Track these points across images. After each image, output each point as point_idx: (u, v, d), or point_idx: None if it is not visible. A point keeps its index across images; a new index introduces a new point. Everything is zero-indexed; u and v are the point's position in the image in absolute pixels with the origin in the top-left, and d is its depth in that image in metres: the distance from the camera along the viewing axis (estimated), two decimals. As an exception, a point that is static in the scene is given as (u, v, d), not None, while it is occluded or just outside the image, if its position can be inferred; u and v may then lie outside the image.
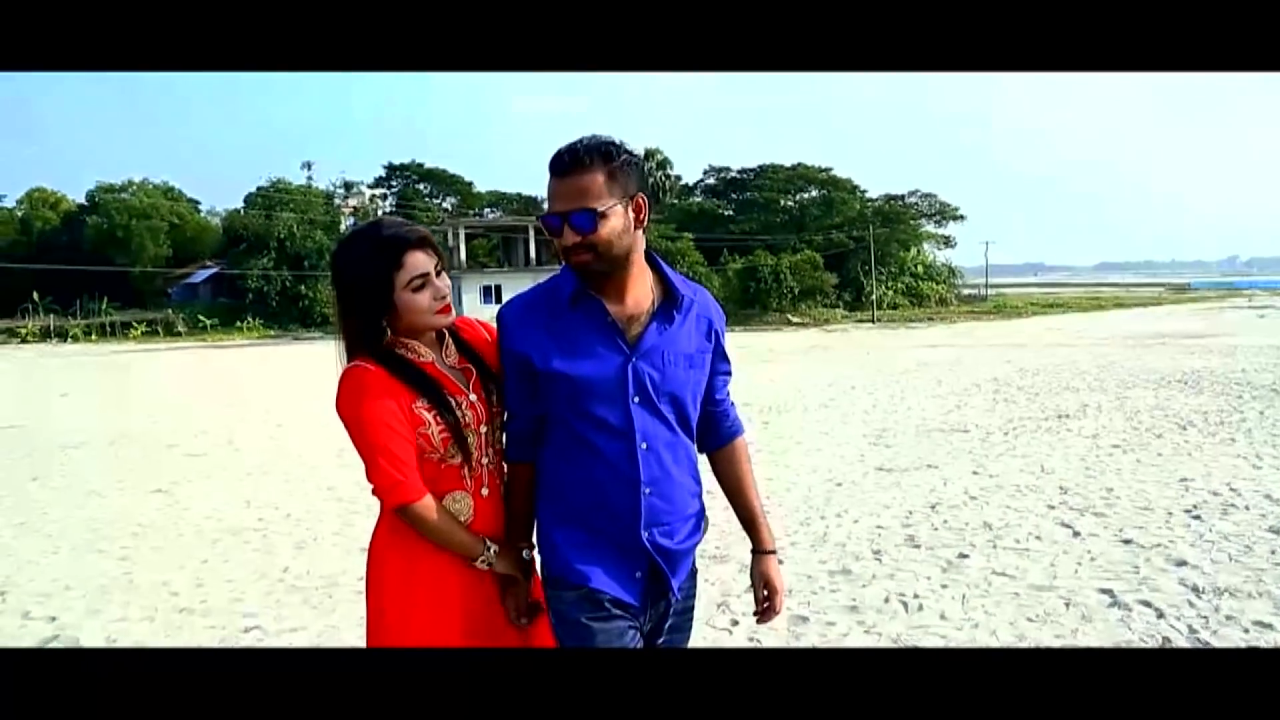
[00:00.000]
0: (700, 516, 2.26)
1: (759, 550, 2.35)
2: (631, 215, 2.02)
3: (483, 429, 2.20)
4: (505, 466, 2.25)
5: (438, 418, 2.11)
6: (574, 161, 1.98)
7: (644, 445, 2.07)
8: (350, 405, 2.06)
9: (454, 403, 2.15)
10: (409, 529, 2.10)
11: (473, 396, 2.19)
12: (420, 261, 2.11)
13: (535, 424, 2.16)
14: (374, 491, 2.07)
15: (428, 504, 2.08)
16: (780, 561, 2.42)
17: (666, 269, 2.18)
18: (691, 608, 2.31)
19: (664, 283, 2.16)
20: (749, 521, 2.35)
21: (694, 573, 2.29)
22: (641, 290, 2.12)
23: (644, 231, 2.10)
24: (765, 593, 2.32)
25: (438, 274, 2.15)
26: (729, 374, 2.33)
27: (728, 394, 2.36)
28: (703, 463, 2.33)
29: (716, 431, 2.35)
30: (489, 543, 2.15)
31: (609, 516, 2.09)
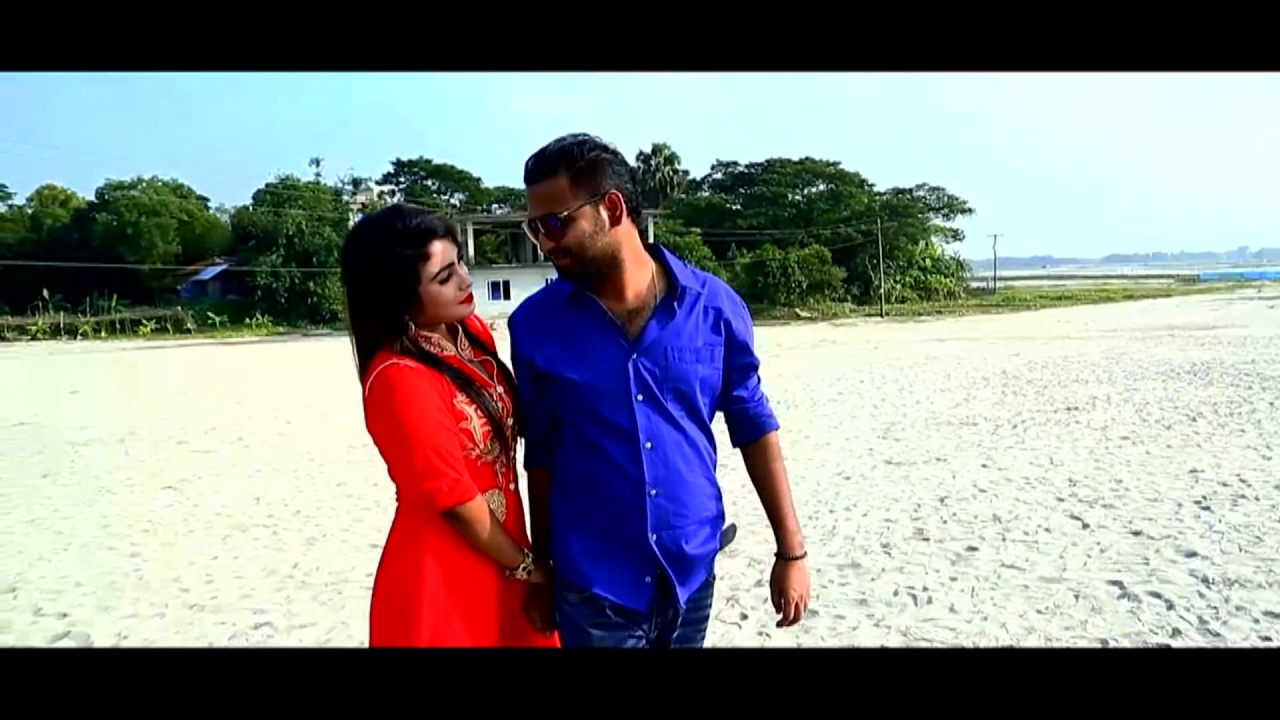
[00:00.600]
0: (719, 521, 2.19)
1: (779, 554, 2.26)
2: (605, 213, 1.98)
3: (509, 421, 2.14)
4: (525, 474, 2.21)
5: (479, 411, 2.05)
6: (537, 169, 1.97)
7: (648, 444, 2.02)
8: (393, 404, 1.95)
9: (487, 395, 2.10)
10: (442, 533, 2.01)
11: (499, 388, 2.14)
12: (446, 251, 2.04)
13: (549, 428, 2.13)
14: (422, 494, 1.97)
15: (480, 504, 2.01)
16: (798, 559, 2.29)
17: (671, 261, 2.13)
18: (704, 618, 2.23)
19: (668, 275, 2.12)
20: (774, 522, 2.25)
21: (710, 582, 2.22)
22: (641, 285, 2.08)
23: (632, 224, 2.05)
24: (781, 600, 2.24)
25: (459, 263, 2.09)
26: (752, 366, 2.23)
27: (753, 388, 2.25)
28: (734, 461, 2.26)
29: (744, 426, 2.26)
30: (527, 552, 2.10)
31: (617, 519, 2.05)
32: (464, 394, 2.03)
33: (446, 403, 2.00)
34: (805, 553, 2.27)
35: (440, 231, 2.05)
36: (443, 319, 2.10)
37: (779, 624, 2.28)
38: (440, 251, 2.03)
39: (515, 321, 2.14)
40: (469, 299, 2.12)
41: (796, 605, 2.23)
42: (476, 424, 2.04)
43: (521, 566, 2.08)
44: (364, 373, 2.05)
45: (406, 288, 2.02)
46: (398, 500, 2.09)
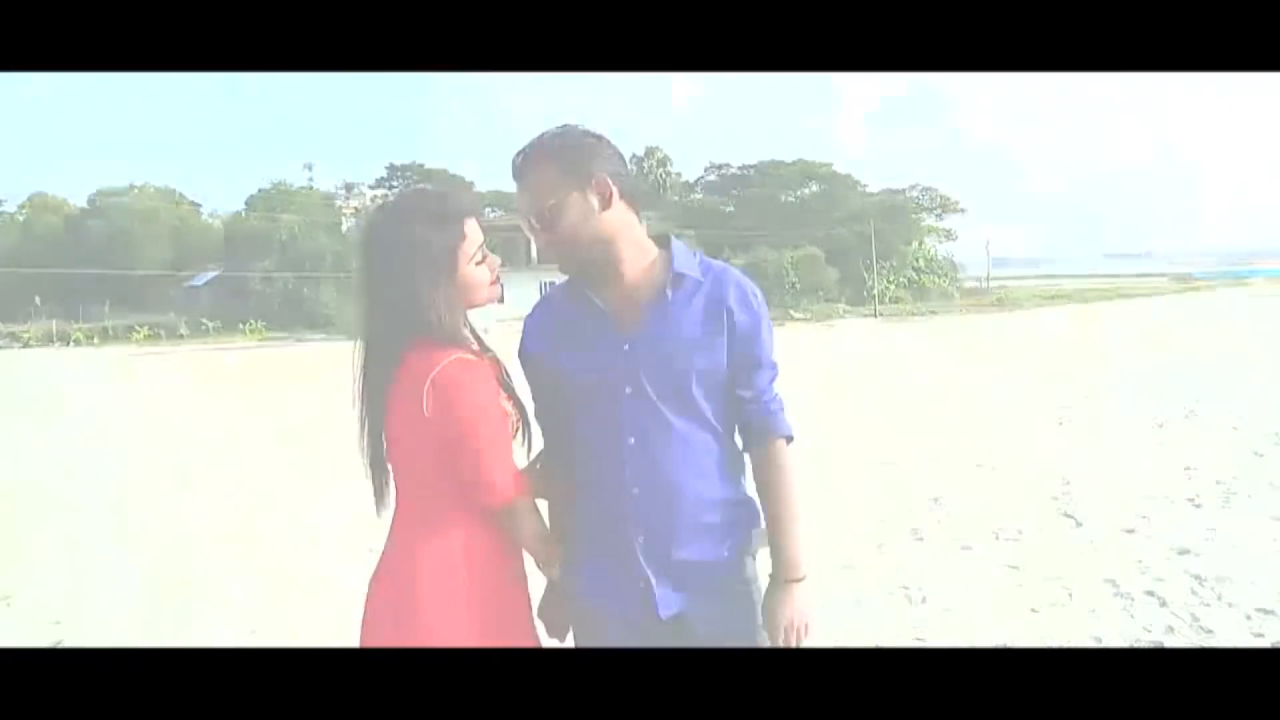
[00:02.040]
0: (729, 531, 2.02)
1: (772, 575, 2.02)
2: (594, 197, 1.90)
3: None
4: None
5: (514, 406, 1.98)
6: (523, 164, 1.93)
7: (631, 441, 1.93)
8: (466, 399, 1.83)
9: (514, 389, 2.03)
10: (480, 528, 1.90)
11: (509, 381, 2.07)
12: (478, 231, 1.95)
13: (551, 429, 2.09)
14: (487, 489, 1.86)
15: (531, 498, 1.95)
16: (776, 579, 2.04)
17: (676, 248, 2.02)
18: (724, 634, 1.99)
19: (671, 263, 1.99)
20: (771, 538, 2.04)
21: (725, 597, 2.01)
22: (640, 273, 1.98)
23: (628, 209, 1.96)
24: (771, 630, 1.97)
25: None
26: (759, 364, 2.04)
27: (761, 388, 2.06)
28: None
29: (747, 430, 2.09)
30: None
31: (603, 521, 1.97)
32: (503, 390, 1.97)
33: (497, 398, 1.92)
34: (804, 575, 2.01)
35: (473, 210, 1.96)
36: (476, 304, 1.98)
37: None
38: (475, 231, 1.94)
39: (526, 322, 2.10)
40: (497, 280, 2.01)
41: (786, 635, 1.97)
42: (513, 420, 1.97)
43: (559, 564, 2.02)
44: (392, 370, 1.90)
45: (449, 273, 1.90)
46: (406, 501, 1.97)
